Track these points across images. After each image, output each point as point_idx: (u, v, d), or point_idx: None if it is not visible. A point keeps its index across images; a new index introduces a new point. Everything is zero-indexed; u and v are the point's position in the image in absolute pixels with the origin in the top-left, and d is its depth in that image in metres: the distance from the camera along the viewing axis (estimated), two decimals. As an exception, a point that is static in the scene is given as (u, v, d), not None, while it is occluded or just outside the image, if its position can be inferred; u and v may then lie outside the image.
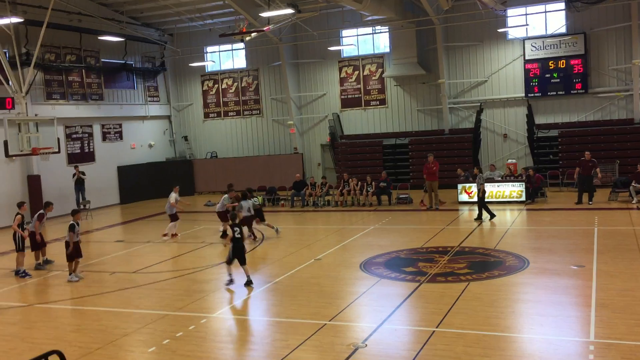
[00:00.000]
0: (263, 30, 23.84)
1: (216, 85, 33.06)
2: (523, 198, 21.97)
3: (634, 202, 20.23)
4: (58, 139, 22.62)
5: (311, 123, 31.55)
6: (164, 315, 11.07)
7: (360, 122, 30.37)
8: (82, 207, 24.89)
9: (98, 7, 28.05)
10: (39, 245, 15.65)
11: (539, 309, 10.27)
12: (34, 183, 24.93)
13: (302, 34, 29.53)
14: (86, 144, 28.24)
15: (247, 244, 17.21)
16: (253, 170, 30.37)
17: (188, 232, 19.94)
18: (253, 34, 24.41)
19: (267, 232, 18.75)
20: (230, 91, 32.79)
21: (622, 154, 24.42)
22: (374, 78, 29.90)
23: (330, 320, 10.18)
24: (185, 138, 33.78)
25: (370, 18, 27.48)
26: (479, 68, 28.00)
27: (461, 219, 20.13)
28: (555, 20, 26.53)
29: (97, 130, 28.91)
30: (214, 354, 9.26)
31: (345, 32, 30.00)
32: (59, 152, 22.82)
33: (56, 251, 15.80)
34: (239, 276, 13.02)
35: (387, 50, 29.43)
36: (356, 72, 30.19)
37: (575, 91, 26.18)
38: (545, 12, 26.59)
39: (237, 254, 12.87)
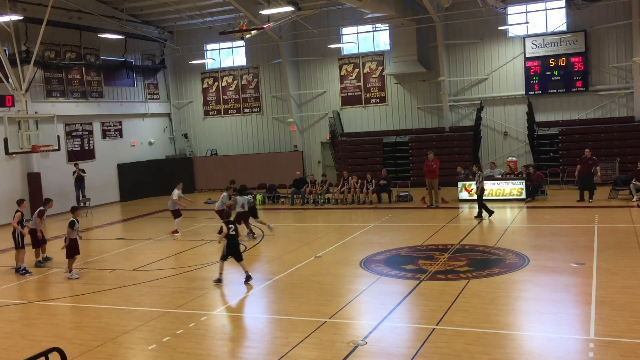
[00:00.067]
0: (263, 28, 23.82)
1: (216, 83, 33.04)
2: (523, 196, 21.97)
3: (634, 200, 20.21)
4: (58, 136, 22.62)
5: (311, 121, 31.54)
6: (164, 312, 11.07)
7: (361, 119, 30.36)
8: (82, 204, 24.91)
9: (98, 4, 28.02)
10: (39, 242, 15.66)
11: (539, 306, 10.27)
12: (34, 181, 24.93)
13: (302, 32, 29.51)
14: (86, 142, 28.23)
15: (247, 242, 17.27)
16: (253, 168, 30.36)
17: (188, 230, 19.93)
18: (253, 32, 24.37)
19: (263, 230, 18.72)
20: (231, 89, 32.77)
21: (623, 152, 24.41)
22: (374, 76, 29.88)
23: (330, 318, 10.18)
24: (186, 136, 33.77)
25: (370, 16, 27.46)
26: (480, 66, 27.97)
27: (461, 217, 20.13)
28: (556, 17, 26.50)
29: (97, 127, 28.90)
30: (214, 351, 9.26)
31: (345, 30, 29.97)
32: (59, 149, 22.81)
33: (56, 249, 15.80)
34: (235, 275, 13.06)
35: (388, 47, 29.40)
36: (356, 70, 30.17)
37: (576, 89, 26.16)
38: (546, 9, 26.57)
39: (232, 251, 12.87)
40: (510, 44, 27.31)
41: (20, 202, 15.76)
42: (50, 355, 5.91)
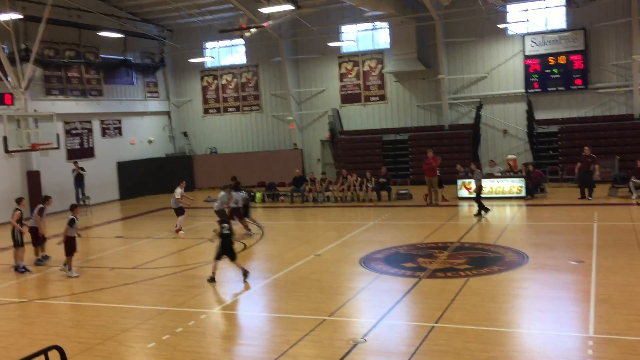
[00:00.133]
0: (263, 26, 23.79)
1: (216, 81, 33.03)
2: (523, 194, 21.96)
3: (633, 197, 20.22)
4: (57, 134, 22.58)
5: (311, 119, 31.53)
6: (164, 310, 11.08)
7: (360, 118, 30.35)
8: (81, 203, 24.90)
9: (97, 2, 27.99)
10: (40, 240, 15.67)
11: (539, 304, 10.28)
12: (33, 179, 24.93)
13: (301, 30, 29.48)
14: (85, 140, 28.22)
15: (246, 240, 17.28)
16: (253, 166, 30.36)
17: (188, 228, 19.90)
18: (252, 30, 24.36)
19: (262, 228, 18.74)
20: (230, 87, 32.76)
21: (622, 150, 24.37)
22: (373, 74, 29.87)
23: (329, 316, 10.19)
24: (185, 134, 33.76)
25: (370, 14, 27.45)
26: (479, 64, 27.96)
27: (461, 215, 20.14)
28: (555, 16, 26.49)
29: (96, 126, 28.88)
30: (214, 349, 9.27)
31: (345, 28, 29.96)
32: (58, 148, 22.77)
33: (55, 247, 15.78)
34: (234, 273, 13.07)
35: (387, 46, 29.38)
36: (356, 68, 30.15)
37: (575, 87, 26.15)
38: (546, 7, 26.55)
39: (226, 250, 12.88)
40: (509, 42, 27.28)
41: (19, 201, 15.75)
42: (49, 354, 5.92)
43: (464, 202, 22.06)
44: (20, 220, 15.26)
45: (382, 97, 29.87)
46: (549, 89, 26.52)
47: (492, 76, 27.80)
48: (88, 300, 12.22)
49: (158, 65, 32.48)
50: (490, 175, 22.63)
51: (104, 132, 29.26)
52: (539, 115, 26.81)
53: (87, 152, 28.12)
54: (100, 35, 27.25)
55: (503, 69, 27.52)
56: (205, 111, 33.45)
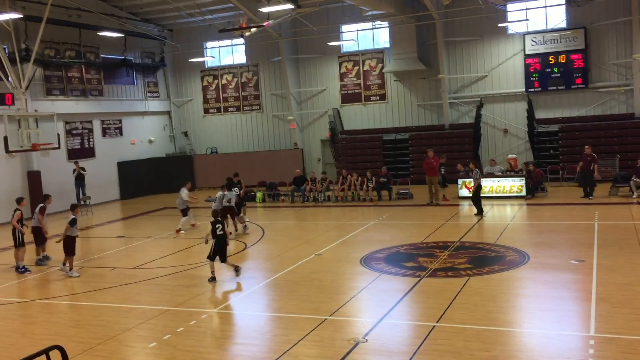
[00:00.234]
0: (263, 26, 23.79)
1: (216, 81, 33.03)
2: (523, 193, 21.95)
3: (634, 196, 20.21)
4: (58, 134, 22.59)
5: (311, 118, 31.53)
6: (165, 310, 11.08)
7: (361, 117, 30.35)
8: (82, 202, 24.92)
9: (97, 2, 28.00)
10: (43, 239, 15.67)
11: (539, 303, 10.28)
12: (34, 179, 24.93)
13: (301, 29, 29.47)
14: (86, 140, 28.23)
15: (247, 240, 17.29)
16: (253, 166, 30.35)
17: (189, 228, 19.91)
18: (253, 30, 24.35)
19: (263, 228, 18.74)
20: (230, 87, 32.76)
21: (623, 149, 24.39)
22: (374, 73, 29.87)
23: (330, 315, 10.19)
24: (185, 134, 33.76)
25: (370, 13, 27.43)
26: (479, 63, 27.95)
27: (461, 214, 20.13)
28: (556, 14, 26.48)
29: (97, 125, 28.90)
30: (215, 349, 9.28)
31: (345, 28, 29.95)
32: (59, 148, 22.79)
33: (55, 247, 15.78)
34: (232, 273, 13.08)
35: (387, 45, 29.38)
36: (356, 68, 30.15)
37: (576, 86, 26.14)
38: (546, 6, 26.53)
39: (219, 251, 12.91)
40: (510, 41, 27.28)
41: (19, 201, 15.75)
42: (51, 354, 5.92)
43: (464, 202, 22.05)
44: (20, 221, 15.26)
45: (383, 97, 29.87)
46: (550, 88, 26.51)
47: (493, 75, 27.80)
48: (89, 300, 12.23)
49: (158, 65, 32.48)
50: (491, 175, 22.63)
51: (104, 132, 29.27)
52: (540, 115, 26.81)
53: (87, 152, 28.14)
54: (100, 35, 27.27)
55: (503, 68, 27.52)
56: (206, 111, 33.45)
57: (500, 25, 26.65)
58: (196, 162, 32.26)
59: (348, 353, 8.53)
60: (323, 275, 12.99)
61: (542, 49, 26.38)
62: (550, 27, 26.50)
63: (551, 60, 26.22)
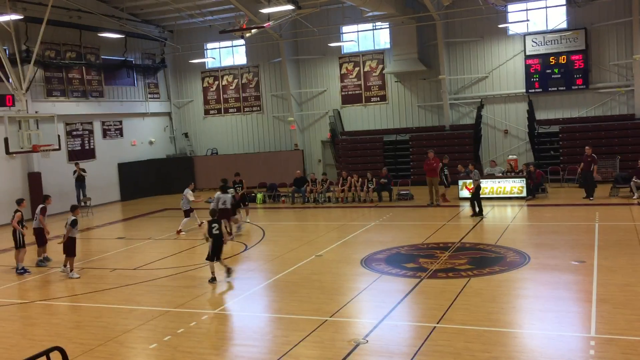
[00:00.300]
0: (263, 27, 23.80)
1: (216, 82, 33.04)
2: (524, 194, 21.95)
3: (634, 197, 20.20)
4: (58, 136, 22.61)
5: (312, 119, 31.53)
6: (165, 311, 11.08)
7: (361, 118, 30.35)
8: (82, 204, 24.92)
9: (98, 3, 28.03)
10: (44, 241, 15.67)
11: (540, 304, 10.27)
12: (34, 180, 24.93)
13: (302, 30, 29.49)
14: (86, 141, 28.23)
15: (245, 239, 17.28)
16: (253, 167, 30.33)
17: (190, 229, 19.91)
18: (253, 31, 24.35)
19: (263, 230, 18.73)
20: (231, 88, 32.77)
21: (623, 150, 24.39)
22: (374, 74, 29.87)
23: (331, 316, 10.18)
24: (186, 135, 33.77)
25: (370, 14, 27.42)
26: (480, 64, 27.95)
27: (462, 215, 20.12)
28: (556, 15, 26.48)
29: (97, 127, 28.90)
30: (215, 350, 9.27)
31: (345, 29, 29.96)
32: (59, 149, 22.80)
33: (55, 248, 15.79)
34: (233, 274, 13.08)
35: (388, 46, 29.39)
36: (357, 69, 30.15)
37: (576, 87, 26.14)
38: (546, 7, 26.54)
39: (215, 251, 12.92)
40: (510, 41, 27.28)
41: (20, 202, 15.76)
42: (51, 355, 5.92)
43: (465, 203, 22.03)
44: (21, 222, 15.26)
45: (383, 98, 29.87)
46: (550, 88, 26.50)
47: (493, 76, 27.79)
48: (89, 302, 12.22)
49: (159, 66, 32.50)
50: (492, 176, 22.63)
51: (104, 133, 29.28)
52: (540, 115, 26.80)
53: (88, 153, 28.14)
54: (101, 36, 27.30)
55: (504, 69, 27.52)
56: (206, 112, 33.46)
57: (500, 26, 26.66)
58: (197, 164, 32.26)
59: (349, 354, 8.52)
60: (324, 276, 12.99)
61: (542, 50, 26.38)
62: (550, 27, 26.50)
63: (552, 61, 26.22)
